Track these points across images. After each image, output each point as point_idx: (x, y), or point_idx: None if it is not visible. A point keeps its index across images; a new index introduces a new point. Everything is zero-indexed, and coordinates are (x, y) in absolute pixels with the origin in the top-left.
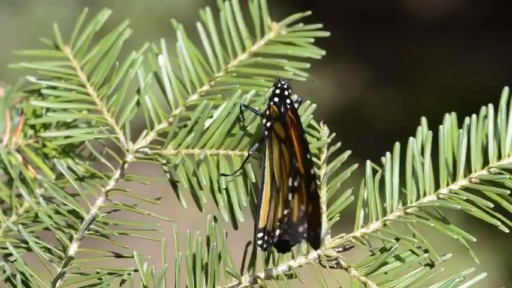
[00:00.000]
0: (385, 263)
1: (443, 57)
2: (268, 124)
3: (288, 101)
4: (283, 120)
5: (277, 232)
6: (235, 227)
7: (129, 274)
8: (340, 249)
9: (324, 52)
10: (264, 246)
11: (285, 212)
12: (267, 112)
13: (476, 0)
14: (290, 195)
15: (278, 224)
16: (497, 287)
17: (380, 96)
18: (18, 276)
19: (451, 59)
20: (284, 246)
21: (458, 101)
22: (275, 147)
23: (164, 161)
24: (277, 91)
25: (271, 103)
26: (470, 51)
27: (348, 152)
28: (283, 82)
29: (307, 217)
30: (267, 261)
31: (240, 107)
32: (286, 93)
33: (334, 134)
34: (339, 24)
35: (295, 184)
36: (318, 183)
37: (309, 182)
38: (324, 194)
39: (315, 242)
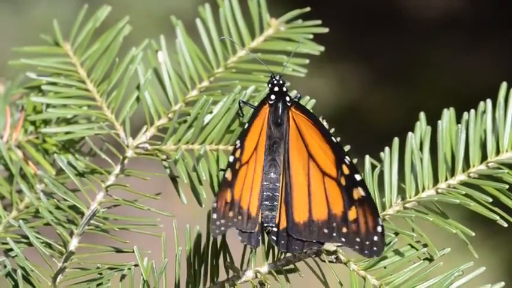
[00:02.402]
0: (384, 257)
1: (443, 57)
2: None
3: (287, 98)
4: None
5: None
6: None
7: (130, 269)
8: (340, 244)
9: (322, 48)
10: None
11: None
12: None
13: (476, 0)
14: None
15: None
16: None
17: (380, 96)
18: (19, 271)
19: (451, 59)
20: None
21: (458, 101)
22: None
23: (164, 157)
24: (276, 88)
25: (269, 100)
26: (470, 51)
27: (347, 147)
28: (277, 78)
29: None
30: (266, 256)
31: (239, 103)
32: (284, 89)
33: (333, 129)
34: (339, 24)
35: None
36: None
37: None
38: None
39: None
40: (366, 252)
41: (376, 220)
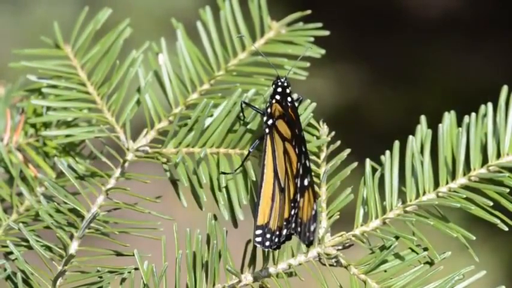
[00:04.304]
0: (384, 261)
1: (443, 57)
2: (270, 122)
3: (289, 99)
4: (288, 119)
5: (285, 232)
6: (235, 225)
7: (130, 272)
8: (340, 247)
9: (323, 51)
10: (267, 244)
11: (293, 211)
12: (269, 110)
13: (476, 0)
14: (298, 195)
15: (285, 223)
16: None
17: (380, 96)
18: (19, 275)
19: (451, 59)
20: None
21: (458, 101)
22: (278, 145)
23: (164, 160)
24: (279, 89)
25: (273, 101)
26: (470, 51)
27: (347, 151)
28: (283, 80)
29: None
30: (267, 259)
31: (241, 104)
32: (287, 91)
33: (333, 133)
34: (339, 24)
35: (305, 183)
36: (318, 181)
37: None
38: (323, 192)
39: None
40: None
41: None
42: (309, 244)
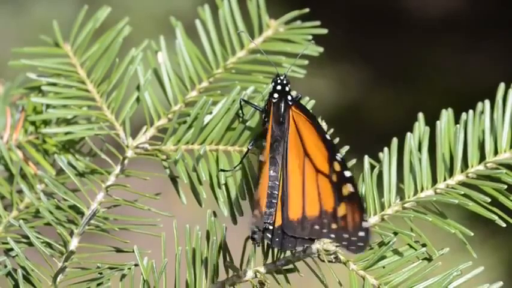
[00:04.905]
0: (383, 257)
1: (443, 57)
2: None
3: (289, 97)
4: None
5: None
6: (235, 221)
7: (130, 269)
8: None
9: (322, 49)
10: (255, 236)
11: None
12: (267, 108)
13: (476, 0)
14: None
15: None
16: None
17: (380, 96)
18: (20, 271)
19: (451, 59)
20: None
21: (458, 101)
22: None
23: (164, 157)
24: (278, 87)
25: (272, 99)
26: (470, 51)
27: (346, 147)
28: (282, 77)
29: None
30: (266, 256)
31: (240, 102)
32: (287, 89)
33: (332, 130)
34: (339, 24)
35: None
36: None
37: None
38: None
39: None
40: (353, 248)
41: (362, 216)
42: (360, 250)
